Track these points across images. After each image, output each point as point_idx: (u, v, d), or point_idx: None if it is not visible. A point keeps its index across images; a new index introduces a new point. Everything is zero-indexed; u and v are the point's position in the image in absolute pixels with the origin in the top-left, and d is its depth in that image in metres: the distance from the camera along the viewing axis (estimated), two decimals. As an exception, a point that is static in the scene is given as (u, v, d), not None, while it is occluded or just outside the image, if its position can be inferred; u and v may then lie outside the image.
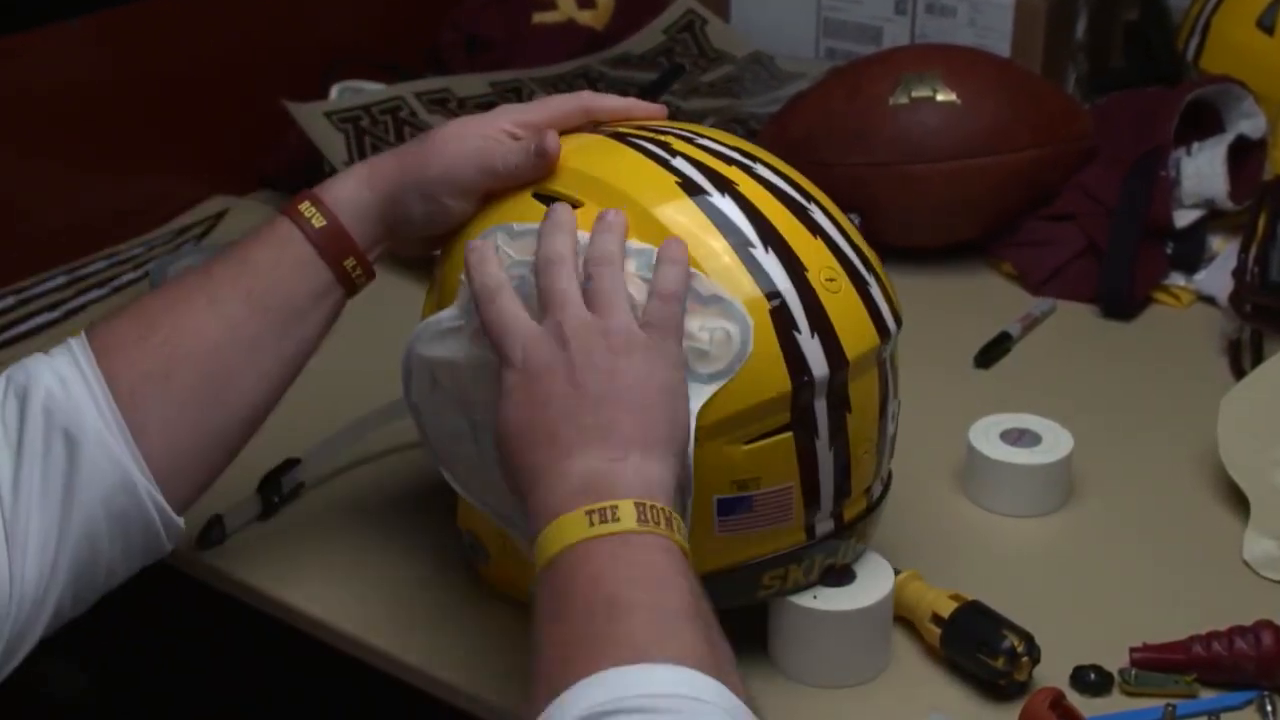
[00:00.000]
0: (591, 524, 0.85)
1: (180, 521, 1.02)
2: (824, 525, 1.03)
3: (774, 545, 1.02)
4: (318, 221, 1.05)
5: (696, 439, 0.94)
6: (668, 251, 0.96)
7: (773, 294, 0.98)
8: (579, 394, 0.90)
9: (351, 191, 1.07)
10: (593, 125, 1.10)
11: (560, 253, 0.95)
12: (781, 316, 0.97)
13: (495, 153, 1.04)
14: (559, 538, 0.86)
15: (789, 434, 0.99)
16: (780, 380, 0.97)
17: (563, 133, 1.06)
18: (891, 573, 1.08)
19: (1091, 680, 1.04)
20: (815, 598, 1.05)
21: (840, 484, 1.02)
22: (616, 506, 0.85)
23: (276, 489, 1.23)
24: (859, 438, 1.02)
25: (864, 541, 1.08)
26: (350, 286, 1.08)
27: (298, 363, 1.07)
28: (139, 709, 1.49)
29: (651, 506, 0.86)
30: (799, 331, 0.97)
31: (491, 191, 1.06)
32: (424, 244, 1.11)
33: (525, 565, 1.04)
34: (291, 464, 1.24)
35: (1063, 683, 1.04)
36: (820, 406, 0.99)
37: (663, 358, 0.93)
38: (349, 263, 1.06)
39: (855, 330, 1.00)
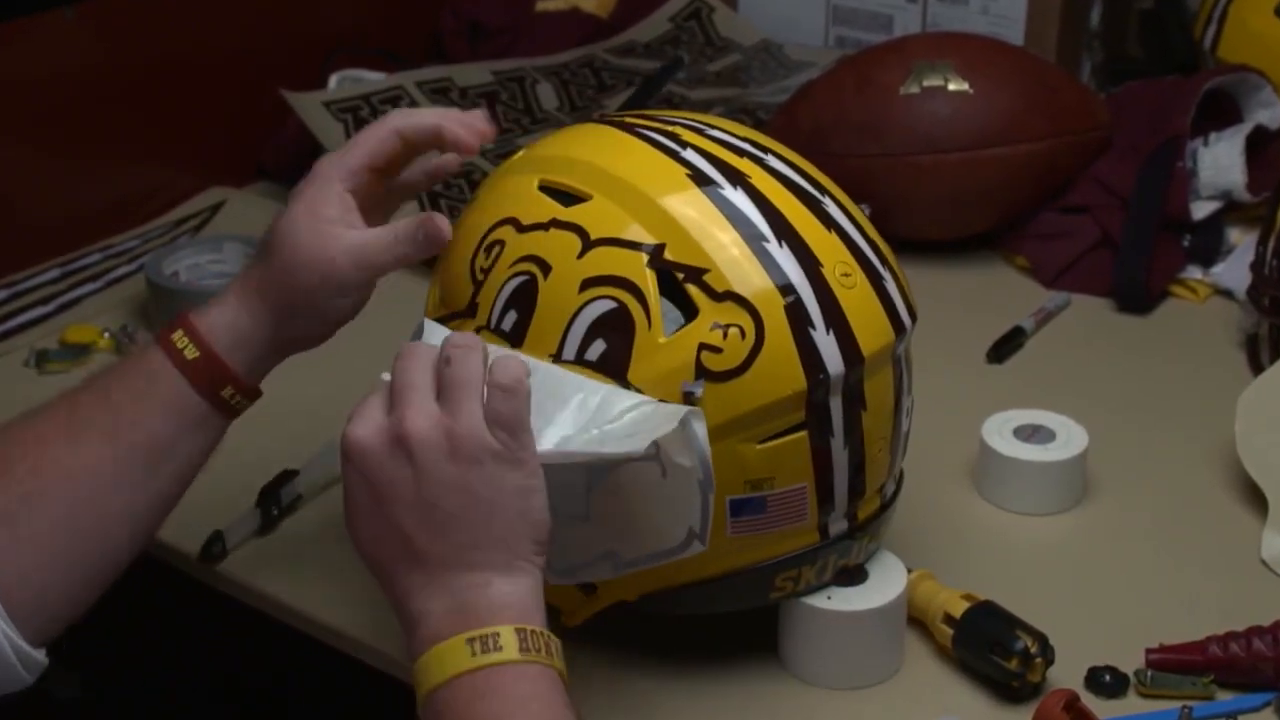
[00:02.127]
0: (474, 653, 0.86)
1: (41, 656, 0.97)
2: (838, 525, 1.02)
3: (787, 546, 1.01)
4: (190, 353, 1.00)
5: (709, 438, 0.93)
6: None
7: (787, 289, 0.96)
8: (430, 514, 0.89)
9: (229, 317, 1.02)
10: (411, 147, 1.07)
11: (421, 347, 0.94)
12: (796, 313, 0.96)
13: (375, 249, 1.00)
14: (441, 667, 0.86)
15: (803, 433, 0.98)
16: (795, 378, 0.96)
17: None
18: (905, 572, 1.07)
19: (1106, 682, 1.04)
20: (829, 598, 1.04)
21: (855, 483, 1.01)
22: (498, 634, 0.86)
23: (275, 502, 1.21)
24: (874, 436, 1.01)
25: (876, 541, 1.07)
26: (231, 413, 1.03)
27: (172, 495, 1.02)
28: (133, 710, 1.48)
29: (532, 632, 0.87)
30: (814, 328, 0.96)
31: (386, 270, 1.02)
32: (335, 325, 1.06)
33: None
34: (289, 476, 1.23)
35: (1077, 684, 1.03)
36: (835, 404, 0.98)
37: (512, 461, 0.90)
38: (226, 391, 1.01)
39: (871, 326, 0.99)
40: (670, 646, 1.05)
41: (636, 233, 0.97)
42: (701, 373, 0.94)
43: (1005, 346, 1.46)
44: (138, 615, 1.16)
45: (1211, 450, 1.28)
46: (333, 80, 1.77)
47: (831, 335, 0.96)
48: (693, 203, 0.98)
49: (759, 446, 0.97)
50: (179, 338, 1.00)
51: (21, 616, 0.95)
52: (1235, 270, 1.53)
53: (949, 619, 1.05)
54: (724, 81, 1.93)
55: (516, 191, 1.03)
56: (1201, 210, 1.57)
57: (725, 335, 0.95)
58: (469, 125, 1.05)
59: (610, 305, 0.96)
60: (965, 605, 1.05)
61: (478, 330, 1.00)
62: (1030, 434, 1.23)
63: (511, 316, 0.99)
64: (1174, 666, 1.04)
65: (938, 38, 1.72)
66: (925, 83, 1.56)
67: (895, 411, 1.03)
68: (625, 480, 0.95)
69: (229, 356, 1.01)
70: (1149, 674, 1.04)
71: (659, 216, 0.98)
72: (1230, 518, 1.21)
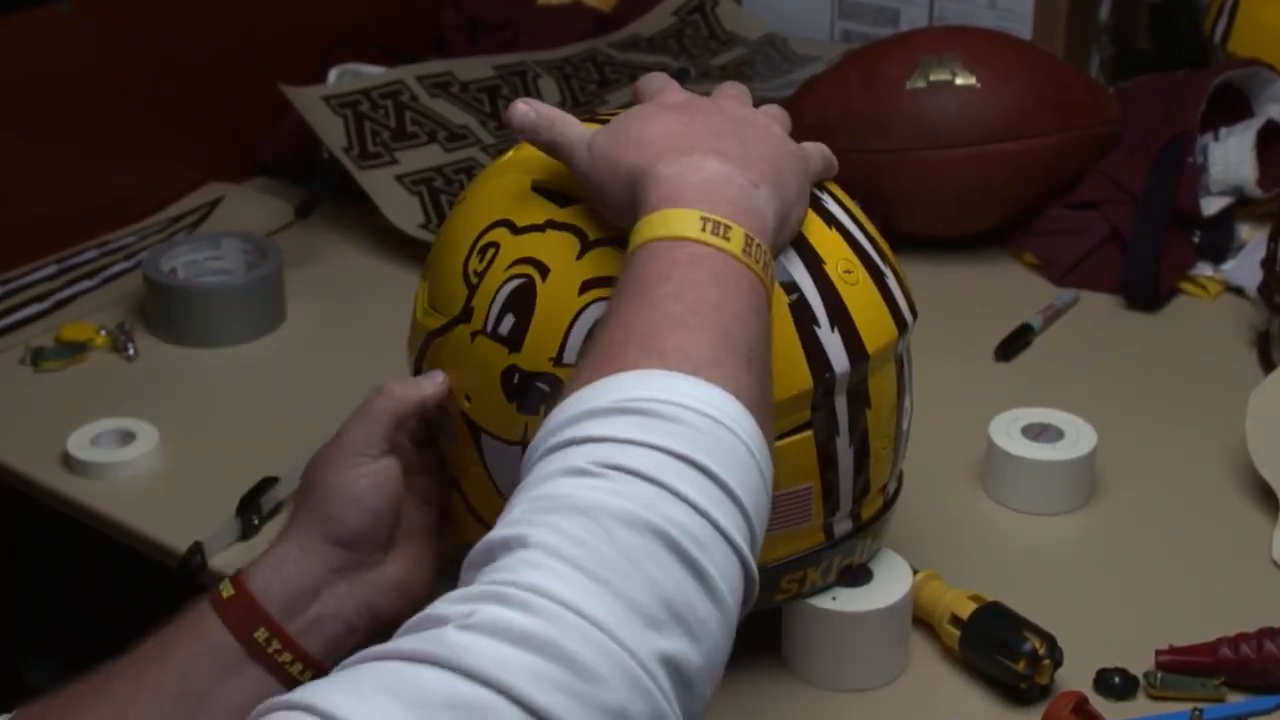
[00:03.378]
0: (704, 229, 0.84)
1: None
2: (842, 525, 1.02)
3: (792, 548, 1.00)
4: (225, 591, 0.96)
5: None
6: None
7: (791, 287, 0.96)
8: (727, 125, 0.93)
9: (273, 553, 0.99)
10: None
11: None
12: (800, 311, 0.95)
13: (403, 399, 1.01)
14: (667, 226, 0.85)
15: (809, 432, 0.97)
16: (801, 377, 0.95)
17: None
18: (910, 571, 1.06)
19: (1116, 683, 1.03)
20: (834, 599, 1.03)
21: (859, 483, 1.01)
22: (730, 227, 0.85)
23: (256, 510, 1.20)
24: (878, 434, 1.01)
25: (879, 540, 1.06)
26: (270, 664, 0.96)
27: None
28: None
29: (758, 244, 0.86)
30: (819, 326, 0.96)
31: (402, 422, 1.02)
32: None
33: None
34: (269, 483, 1.22)
35: (1086, 686, 1.02)
36: (840, 403, 0.97)
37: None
38: (260, 634, 0.95)
39: (874, 323, 0.98)
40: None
41: None
42: None
43: (1013, 344, 1.44)
44: (126, 610, 1.15)
45: (1222, 449, 1.27)
46: (332, 75, 1.76)
47: (836, 333, 0.96)
48: None
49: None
50: (224, 584, 0.98)
51: None
52: (1246, 267, 1.52)
53: (956, 620, 1.04)
54: (728, 76, 1.91)
55: (509, 193, 1.02)
56: (1212, 206, 1.55)
57: None
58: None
59: None
60: (972, 606, 1.04)
61: (473, 335, 0.99)
62: (1038, 433, 1.22)
63: (509, 320, 0.98)
64: (1184, 668, 1.03)
65: (944, 32, 1.71)
66: (932, 77, 1.55)
67: (898, 409, 1.02)
68: None
69: (264, 592, 0.96)
70: (1159, 676, 1.03)
71: None
72: (1241, 517, 1.20)
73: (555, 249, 0.97)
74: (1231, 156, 1.55)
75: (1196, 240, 1.56)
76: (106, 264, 1.60)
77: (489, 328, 0.98)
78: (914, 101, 1.55)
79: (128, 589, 1.01)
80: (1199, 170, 1.55)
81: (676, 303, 0.81)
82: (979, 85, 1.54)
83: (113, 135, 1.65)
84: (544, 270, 0.97)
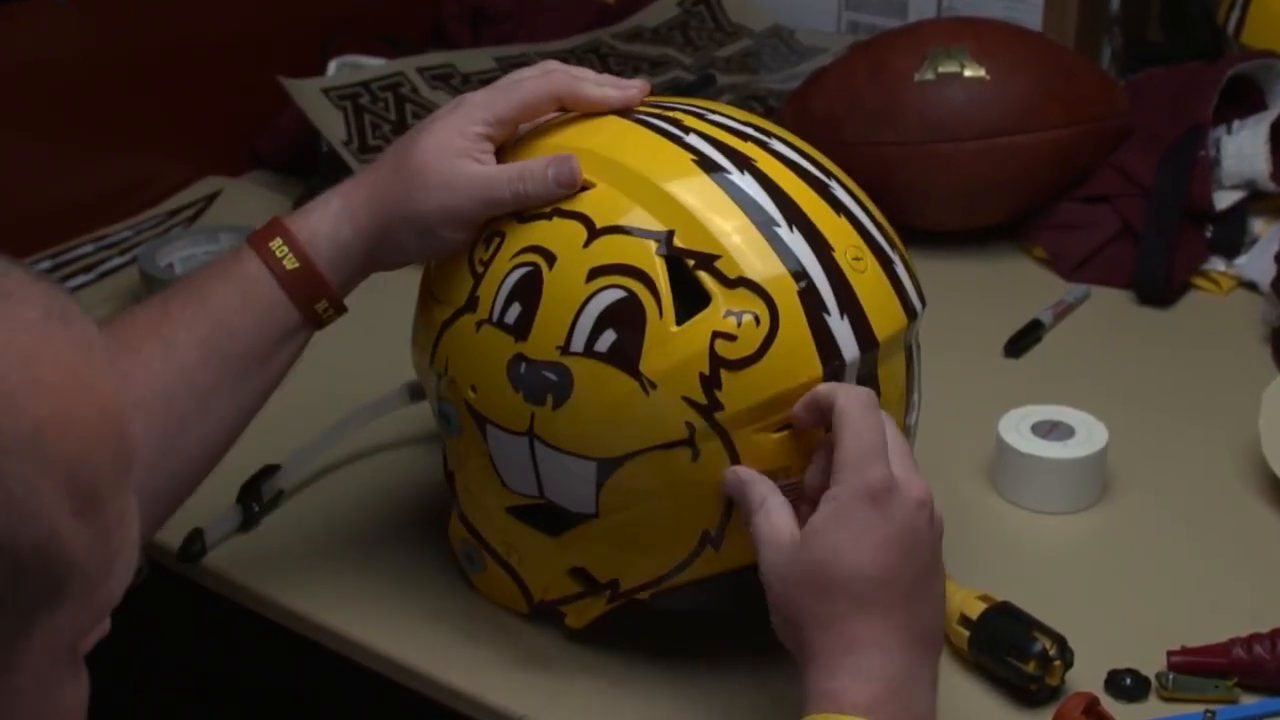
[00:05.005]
0: None
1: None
2: None
3: (802, 540, 0.99)
4: (290, 263, 0.99)
5: (726, 427, 0.93)
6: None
7: (800, 275, 0.95)
8: (925, 588, 0.90)
9: (329, 228, 1.00)
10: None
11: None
12: (810, 298, 0.95)
13: (498, 182, 0.98)
14: None
15: None
16: (810, 365, 0.94)
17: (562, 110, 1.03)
18: None
19: (1127, 685, 1.02)
20: None
21: None
22: None
23: (256, 498, 1.19)
24: None
25: None
26: (319, 325, 1.03)
27: (258, 404, 1.02)
28: (122, 708, 1.46)
29: None
30: (828, 313, 0.95)
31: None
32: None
33: (525, 575, 1.03)
34: (270, 471, 1.21)
35: (1097, 687, 1.02)
36: None
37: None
38: (320, 305, 1.01)
39: (883, 311, 0.98)
40: (677, 643, 1.05)
41: (644, 220, 0.96)
42: (716, 361, 0.93)
43: (1023, 340, 1.44)
44: (126, 611, 1.14)
45: (1235, 447, 1.26)
46: (332, 66, 1.75)
47: (846, 320, 0.95)
48: (700, 188, 0.97)
49: (775, 435, 0.95)
50: (277, 246, 0.99)
51: None
52: (1259, 261, 1.51)
53: (965, 620, 1.03)
54: (734, 68, 1.91)
55: None
56: (1224, 200, 1.55)
57: (739, 323, 0.93)
58: (629, 101, 1.03)
59: (620, 294, 0.95)
60: (982, 606, 1.03)
61: (479, 325, 0.99)
62: (1048, 430, 1.21)
63: (515, 309, 0.97)
64: (1196, 669, 1.02)
65: (953, 23, 1.70)
66: (941, 69, 1.54)
67: (906, 401, 1.02)
68: (643, 474, 0.94)
69: (328, 270, 1.00)
70: (1170, 677, 1.02)
71: (666, 203, 0.96)
72: (1254, 516, 1.20)
73: (562, 236, 0.97)
74: (1244, 149, 1.54)
75: (1209, 235, 1.55)
76: (102, 259, 1.59)
77: (495, 317, 0.98)
78: (922, 94, 1.54)
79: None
80: (1211, 164, 1.54)
81: None
82: (988, 77, 1.54)
83: (108, 128, 1.64)
84: (550, 258, 0.97)
